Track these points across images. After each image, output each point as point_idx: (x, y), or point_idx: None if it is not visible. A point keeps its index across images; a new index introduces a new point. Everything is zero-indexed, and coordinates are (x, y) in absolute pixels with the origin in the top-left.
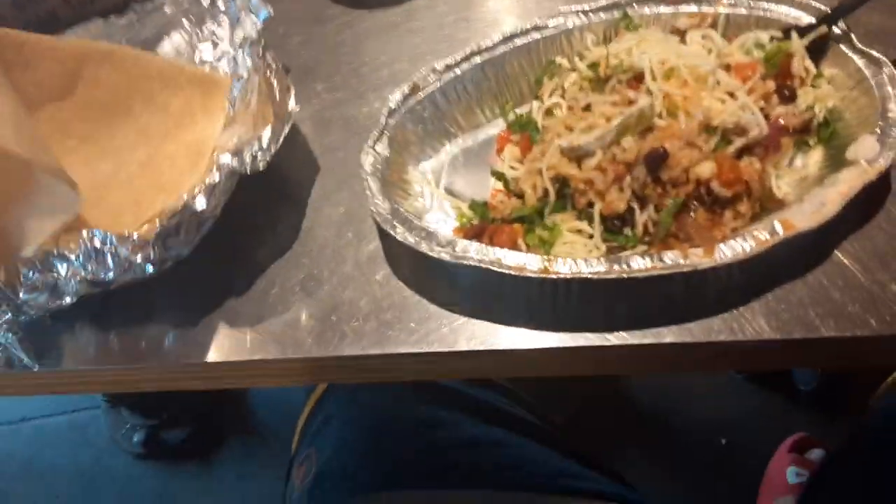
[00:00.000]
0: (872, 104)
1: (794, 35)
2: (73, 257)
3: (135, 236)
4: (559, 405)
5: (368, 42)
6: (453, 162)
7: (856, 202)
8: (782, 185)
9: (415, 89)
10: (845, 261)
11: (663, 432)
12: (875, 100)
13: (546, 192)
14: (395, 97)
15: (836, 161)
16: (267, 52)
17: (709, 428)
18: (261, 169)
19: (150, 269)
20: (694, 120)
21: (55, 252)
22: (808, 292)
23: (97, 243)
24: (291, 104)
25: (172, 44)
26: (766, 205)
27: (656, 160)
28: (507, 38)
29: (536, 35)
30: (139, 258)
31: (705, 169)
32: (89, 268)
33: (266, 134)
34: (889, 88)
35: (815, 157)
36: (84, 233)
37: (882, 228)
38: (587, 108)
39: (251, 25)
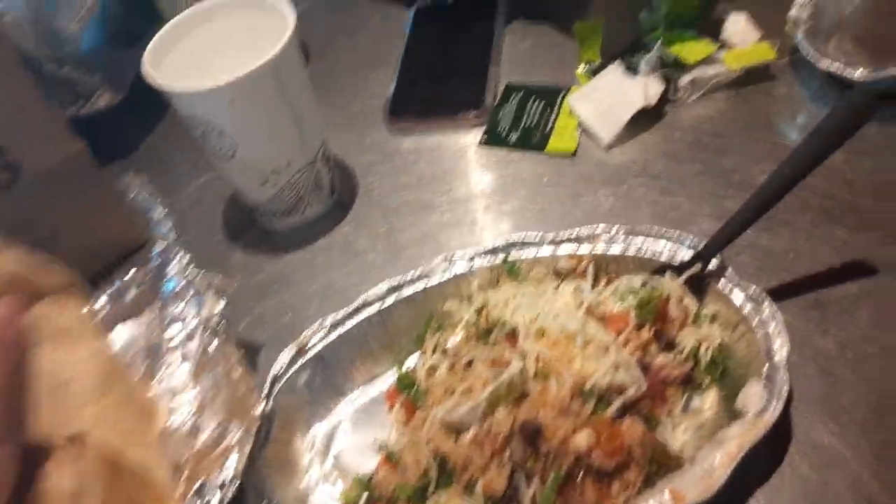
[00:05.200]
0: (757, 343)
1: (668, 276)
2: None
3: None
4: None
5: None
6: (345, 423)
7: (757, 453)
8: (679, 435)
9: (302, 349)
10: None
11: None
12: (758, 339)
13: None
14: (280, 360)
15: (731, 402)
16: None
17: None
18: None
19: None
20: (565, 384)
21: None
22: None
23: None
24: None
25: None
26: (663, 461)
27: (531, 433)
28: (395, 288)
29: (423, 283)
30: None
31: (582, 440)
32: None
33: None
34: (772, 326)
35: (709, 399)
36: None
37: (788, 480)
38: (470, 364)
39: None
